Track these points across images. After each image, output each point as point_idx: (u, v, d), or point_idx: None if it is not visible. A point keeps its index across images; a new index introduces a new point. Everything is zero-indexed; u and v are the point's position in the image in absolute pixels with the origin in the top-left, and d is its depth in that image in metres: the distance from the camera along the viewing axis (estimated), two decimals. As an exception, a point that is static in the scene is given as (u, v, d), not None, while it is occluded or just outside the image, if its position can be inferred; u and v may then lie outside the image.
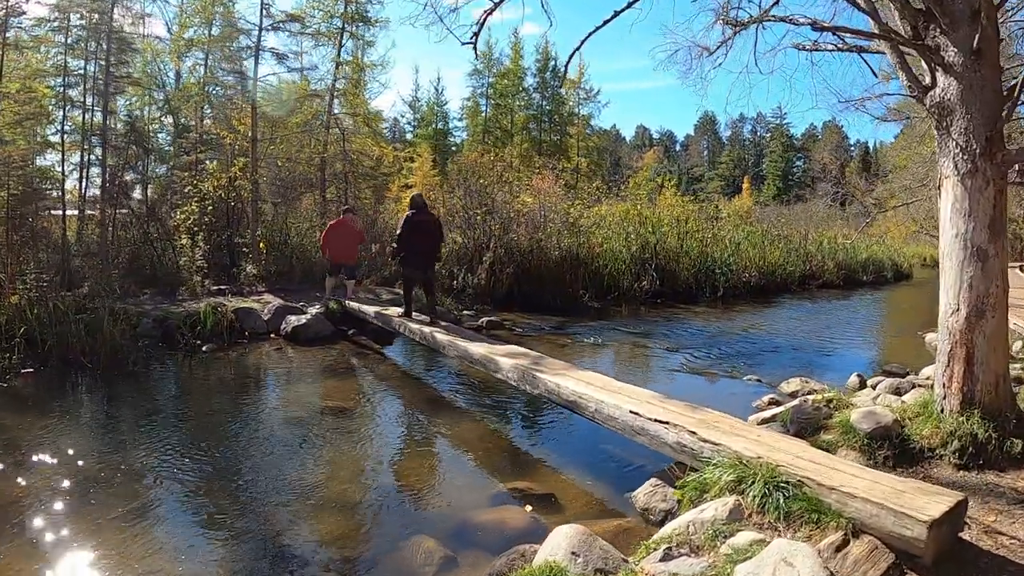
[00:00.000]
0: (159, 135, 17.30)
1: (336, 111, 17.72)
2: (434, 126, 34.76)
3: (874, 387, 6.72)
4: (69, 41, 13.01)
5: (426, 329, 8.40)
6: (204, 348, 9.34)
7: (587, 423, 5.38)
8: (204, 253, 13.03)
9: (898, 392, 6.18)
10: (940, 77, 4.66)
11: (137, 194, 14.88)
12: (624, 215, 16.35)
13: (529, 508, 4.49)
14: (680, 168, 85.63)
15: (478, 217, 14.38)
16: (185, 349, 9.28)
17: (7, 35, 10.44)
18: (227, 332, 9.87)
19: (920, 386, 6.16)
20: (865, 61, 6.24)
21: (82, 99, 13.73)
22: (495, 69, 32.79)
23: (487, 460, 5.49)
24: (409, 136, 36.52)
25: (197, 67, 16.89)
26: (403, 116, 38.31)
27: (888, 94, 9.43)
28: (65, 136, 13.07)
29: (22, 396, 7.05)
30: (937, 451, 4.34)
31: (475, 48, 7.14)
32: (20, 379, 7.53)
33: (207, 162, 14.53)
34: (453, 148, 33.05)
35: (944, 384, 4.66)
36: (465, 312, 12.51)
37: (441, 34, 6.86)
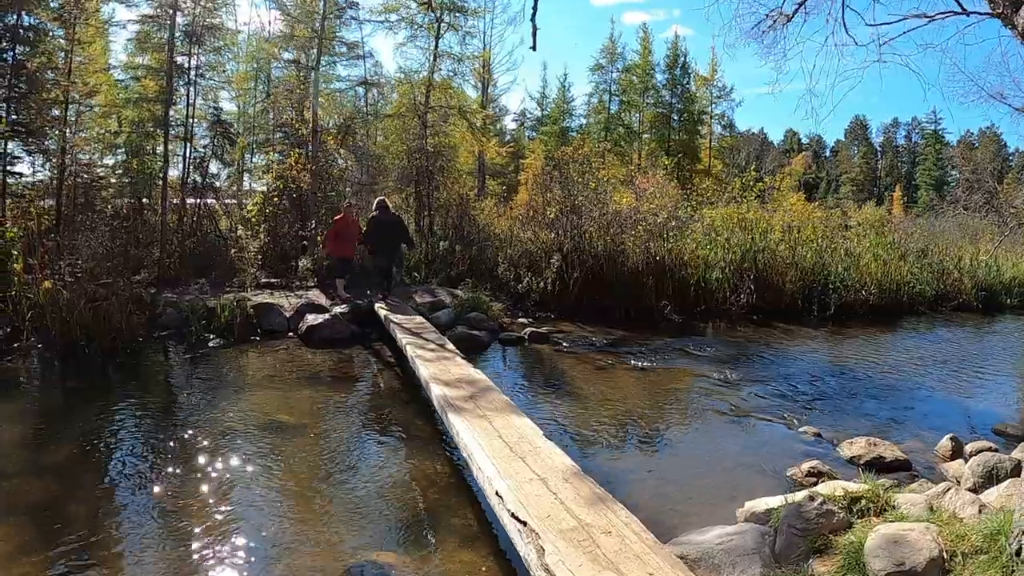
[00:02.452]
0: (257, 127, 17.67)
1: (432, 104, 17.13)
2: (560, 124, 33.40)
3: (967, 459, 4.64)
4: (171, 38, 13.44)
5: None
6: (210, 343, 8.91)
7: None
8: (263, 245, 12.84)
9: (992, 478, 4.11)
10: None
11: (221, 184, 15.16)
12: (726, 219, 14.13)
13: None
14: (829, 175, 78.13)
15: (551, 214, 13.04)
16: (193, 343, 8.90)
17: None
18: (240, 328, 9.36)
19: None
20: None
21: (185, 93, 14.30)
22: (619, 64, 30.92)
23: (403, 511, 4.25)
24: (534, 134, 35.51)
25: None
26: (531, 113, 37.50)
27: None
28: (158, 129, 13.53)
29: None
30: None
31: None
32: (8, 361, 7.48)
33: (278, 155, 14.44)
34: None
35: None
36: (520, 320, 11.26)
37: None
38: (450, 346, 7.26)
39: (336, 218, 11.53)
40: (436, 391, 5.22)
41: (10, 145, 10.02)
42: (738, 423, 6.42)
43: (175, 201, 13.93)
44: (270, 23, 17.69)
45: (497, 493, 3.34)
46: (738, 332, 11.41)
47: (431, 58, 17.30)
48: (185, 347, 8.72)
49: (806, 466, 4.85)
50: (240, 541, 3.95)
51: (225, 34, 14.99)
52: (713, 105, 31.28)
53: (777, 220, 14.37)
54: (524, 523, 3.00)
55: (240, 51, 16.50)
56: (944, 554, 2.81)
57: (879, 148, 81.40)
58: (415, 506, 4.56)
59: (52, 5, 9.86)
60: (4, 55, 9.60)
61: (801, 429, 6.07)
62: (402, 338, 7.54)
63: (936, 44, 5.57)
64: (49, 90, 10.17)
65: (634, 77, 30.51)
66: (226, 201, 15.22)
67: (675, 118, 30.65)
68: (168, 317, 9.43)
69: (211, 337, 9.10)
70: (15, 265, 8.18)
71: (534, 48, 6.57)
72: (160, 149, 13.68)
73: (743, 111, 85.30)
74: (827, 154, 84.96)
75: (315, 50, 13.91)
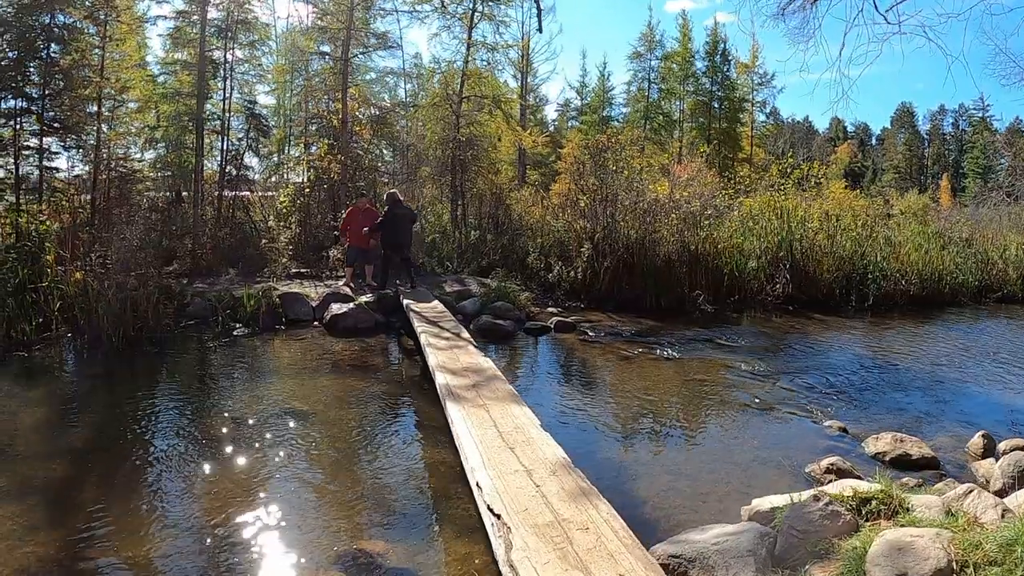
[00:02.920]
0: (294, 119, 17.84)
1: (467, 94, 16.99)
2: (599, 113, 32.80)
3: (998, 457, 4.28)
4: (202, 33, 13.66)
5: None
6: (235, 332, 9.01)
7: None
8: (294, 236, 12.96)
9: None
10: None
11: (256, 176, 15.38)
12: (763, 207, 13.59)
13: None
14: (875, 163, 74.94)
15: (582, 202, 12.79)
16: (218, 332, 9.00)
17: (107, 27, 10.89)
18: (264, 317, 9.44)
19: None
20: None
21: (221, 87, 14.54)
22: (658, 52, 30.14)
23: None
24: (576, 123, 34.97)
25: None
26: (571, 103, 36.95)
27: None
28: (191, 122, 13.78)
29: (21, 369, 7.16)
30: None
31: None
32: (34, 351, 7.68)
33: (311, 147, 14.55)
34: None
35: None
36: (549, 310, 11.08)
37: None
38: (465, 335, 7.14)
39: (350, 208, 11.65)
40: (440, 379, 5.12)
41: (47, 141, 10.30)
42: (761, 416, 6.12)
43: (215, 194, 14.20)
44: (308, 16, 17.74)
45: (478, 484, 3.21)
46: (772, 322, 10.98)
47: (464, 48, 17.16)
48: (210, 336, 8.81)
49: (825, 462, 4.55)
50: (235, 525, 3.93)
51: (259, 28, 15.14)
52: (754, 92, 30.29)
53: (815, 208, 13.78)
54: (498, 516, 2.86)
55: (277, 45, 16.64)
56: (954, 564, 2.54)
57: (926, 136, 77.93)
58: (415, 495, 4.46)
59: (85, 3, 10.04)
60: (39, 54, 9.86)
61: (826, 423, 5.74)
62: (418, 326, 7.47)
63: (959, 14, 5.15)
64: (85, 87, 10.42)
65: (674, 65, 29.76)
66: (259, 194, 15.40)
67: (715, 106, 29.79)
68: (196, 307, 9.57)
69: (236, 326, 9.18)
70: (48, 257, 8.37)
71: (540, 30, 6.36)
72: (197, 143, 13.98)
73: (789, 100, 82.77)
74: (873, 142, 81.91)
75: (344, 41, 13.89)
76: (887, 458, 4.78)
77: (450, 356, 5.95)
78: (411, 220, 11.51)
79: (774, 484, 4.56)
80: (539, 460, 3.52)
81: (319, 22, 15.07)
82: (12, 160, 9.76)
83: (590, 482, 3.29)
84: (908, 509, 3.13)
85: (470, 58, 17.22)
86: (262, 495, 4.35)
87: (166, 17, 13.35)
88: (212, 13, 13.85)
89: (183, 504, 4.24)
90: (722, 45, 29.95)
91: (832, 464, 4.48)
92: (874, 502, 3.19)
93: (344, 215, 11.87)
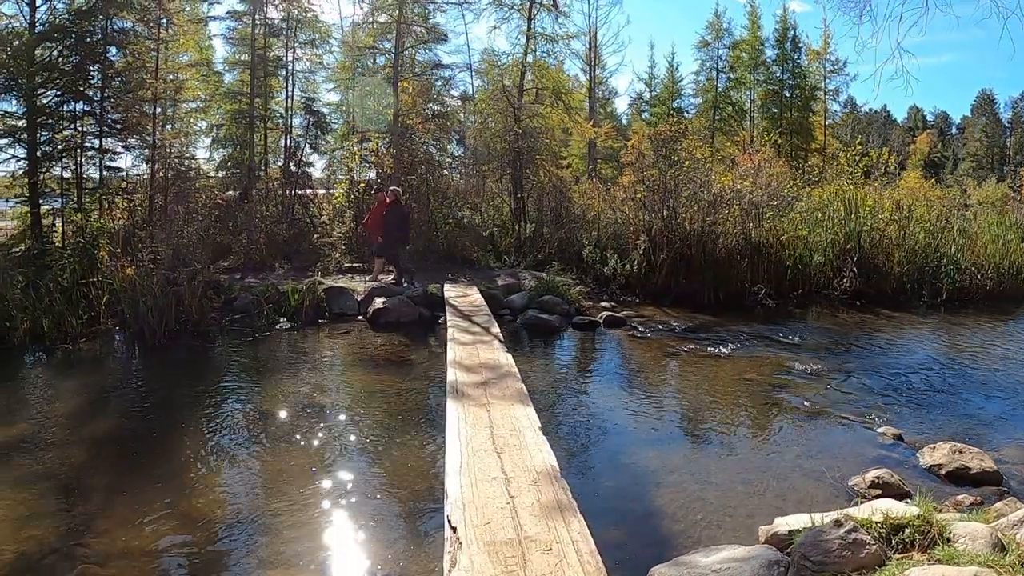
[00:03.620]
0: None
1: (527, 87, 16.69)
2: (668, 104, 31.63)
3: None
4: (253, 33, 13.95)
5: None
6: (277, 326, 9.05)
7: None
8: (348, 230, 13.01)
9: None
10: None
11: (318, 173, 15.59)
12: (831, 196, 12.65)
13: None
14: (955, 153, 69.30)
15: (639, 193, 12.25)
16: (260, 326, 9.06)
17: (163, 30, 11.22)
18: (308, 311, 9.44)
19: None
20: None
21: (282, 85, 14.87)
22: (725, 40, 28.73)
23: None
24: (648, 115, 33.88)
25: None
26: (642, 96, 35.77)
27: None
28: (256, 121, 14.10)
29: (64, 360, 7.40)
30: None
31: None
32: (80, 344, 7.91)
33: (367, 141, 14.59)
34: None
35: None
36: (602, 304, 10.62)
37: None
38: (494, 329, 6.87)
39: (375, 206, 11.53)
40: (450, 376, 4.86)
41: (109, 141, 10.72)
42: (809, 421, 5.52)
43: (279, 192, 14.49)
44: (363, 13, 17.86)
45: (446, 490, 2.88)
46: (837, 318, 10.17)
47: (524, 39, 16.83)
48: (253, 330, 8.87)
49: (870, 475, 3.98)
50: (227, 511, 3.94)
51: (319, 27, 15.33)
52: (826, 80, 28.44)
53: (886, 197, 12.71)
54: (454, 528, 2.53)
55: (339, 42, 16.78)
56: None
57: (1007, 124, 71.48)
58: (409, 495, 4.21)
59: (138, 6, 10.34)
60: (99, 58, 10.24)
61: (880, 430, 5.11)
62: (449, 320, 7.25)
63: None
64: (145, 89, 10.77)
65: (743, 54, 28.33)
66: (318, 190, 15.62)
67: (786, 95, 28.16)
68: (242, 301, 9.69)
69: (280, 320, 9.24)
70: (101, 254, 8.64)
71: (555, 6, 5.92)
72: (261, 141, 14.31)
73: (864, 90, 78.01)
74: (952, 131, 76.12)
75: (396, 35, 13.84)
76: (943, 471, 4.17)
77: (470, 352, 5.68)
78: (407, 218, 11.33)
79: (811, 498, 4.04)
80: (524, 467, 3.18)
81: (370, 18, 15.10)
82: (75, 161, 10.17)
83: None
84: (949, 539, 2.58)
85: (529, 50, 16.90)
86: (257, 492, 4.27)
87: (218, 18, 13.69)
88: (271, 13, 14.16)
89: (186, 496, 4.17)
90: (792, 32, 28.29)
91: (878, 478, 3.91)
92: (908, 530, 2.66)
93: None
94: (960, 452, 4.25)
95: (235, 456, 4.83)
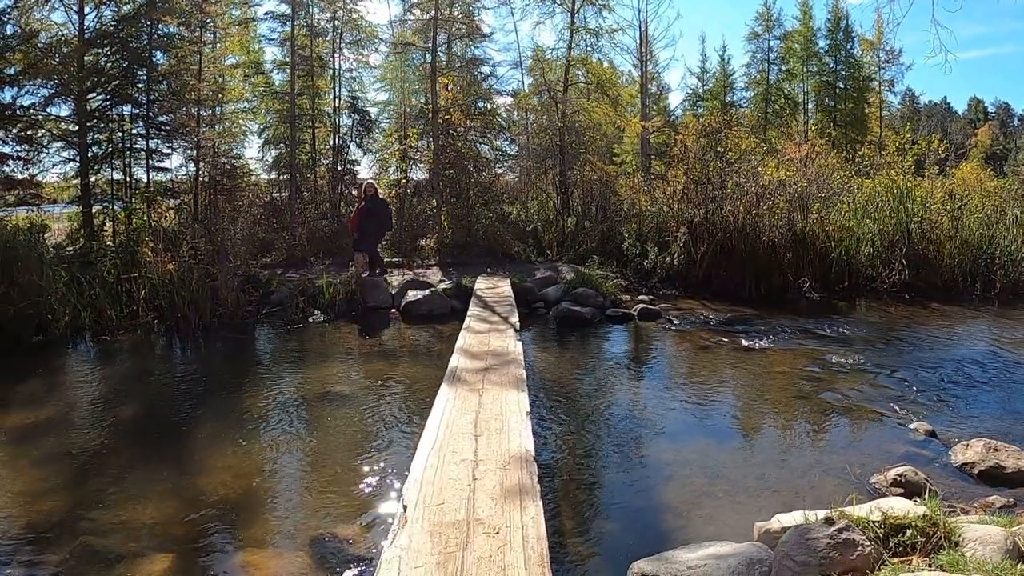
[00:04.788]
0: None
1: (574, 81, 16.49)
2: (720, 98, 30.74)
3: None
4: (305, 33, 14.23)
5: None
6: (311, 319, 9.16)
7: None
8: (389, 225, 13.09)
9: None
10: None
11: (365, 171, 15.78)
12: (880, 187, 11.95)
13: None
14: (1017, 145, 64.93)
15: (680, 184, 11.90)
16: (297, 318, 9.18)
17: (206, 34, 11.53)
18: (342, 304, 9.53)
19: None
20: None
21: (329, 85, 15.16)
22: (776, 31, 27.68)
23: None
24: (702, 109, 33.02)
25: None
26: (696, 90, 34.87)
27: None
28: (303, 119, 14.41)
29: (100, 351, 7.68)
30: None
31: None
32: (118, 336, 8.19)
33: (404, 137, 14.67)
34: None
35: None
36: (640, 297, 10.34)
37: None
38: (513, 319, 6.77)
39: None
40: (452, 362, 4.76)
41: (156, 143, 11.10)
42: (839, 415, 5.16)
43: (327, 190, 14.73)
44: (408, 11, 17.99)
45: (411, 469, 2.77)
46: (884, 312, 9.62)
47: (568, 34, 16.63)
48: (287, 322, 9.01)
49: (893, 473, 3.64)
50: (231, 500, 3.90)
51: (366, 27, 15.51)
52: (881, 71, 27.06)
53: (939, 188, 11.96)
54: (405, 507, 2.41)
55: (387, 41, 16.95)
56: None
57: None
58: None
59: (179, 9, 10.67)
60: (145, 62, 10.62)
61: (912, 426, 4.70)
62: (471, 310, 7.20)
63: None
64: (190, 91, 11.12)
65: (796, 45, 27.31)
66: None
67: (840, 86, 26.98)
68: (279, 295, 9.85)
69: (315, 313, 9.34)
70: (144, 250, 8.93)
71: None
72: (309, 140, 14.60)
73: (924, 81, 74.17)
74: (1015, 123, 71.32)
75: (433, 29, 13.85)
76: (975, 470, 3.79)
77: (480, 340, 5.58)
78: (387, 213, 11.29)
79: (829, 496, 3.71)
80: (498, 451, 3.05)
81: (409, 15, 15.18)
82: (124, 163, 10.58)
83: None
84: (957, 544, 2.28)
85: (574, 44, 16.70)
86: (265, 473, 4.32)
87: (259, 19, 13.99)
88: (316, 14, 14.42)
89: (197, 475, 4.24)
90: (844, 21, 27.12)
91: (900, 475, 3.57)
92: (909, 531, 2.36)
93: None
94: (995, 450, 3.86)
95: (251, 439, 4.86)
